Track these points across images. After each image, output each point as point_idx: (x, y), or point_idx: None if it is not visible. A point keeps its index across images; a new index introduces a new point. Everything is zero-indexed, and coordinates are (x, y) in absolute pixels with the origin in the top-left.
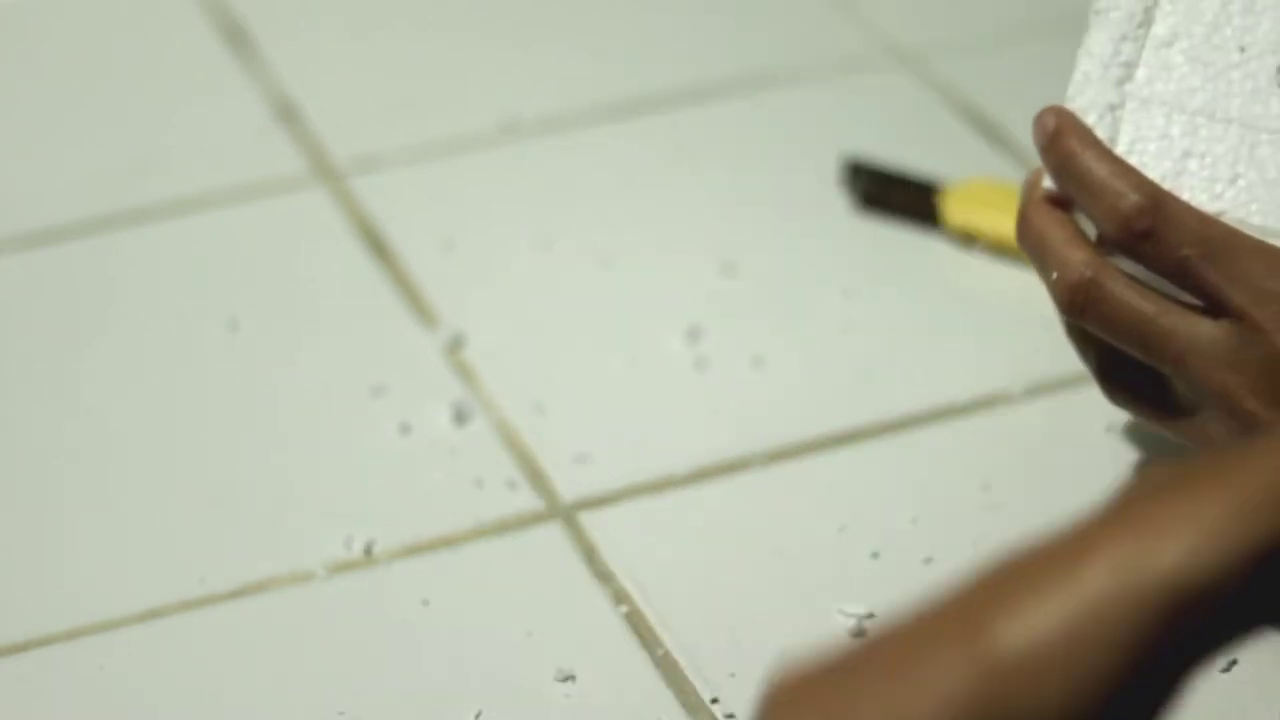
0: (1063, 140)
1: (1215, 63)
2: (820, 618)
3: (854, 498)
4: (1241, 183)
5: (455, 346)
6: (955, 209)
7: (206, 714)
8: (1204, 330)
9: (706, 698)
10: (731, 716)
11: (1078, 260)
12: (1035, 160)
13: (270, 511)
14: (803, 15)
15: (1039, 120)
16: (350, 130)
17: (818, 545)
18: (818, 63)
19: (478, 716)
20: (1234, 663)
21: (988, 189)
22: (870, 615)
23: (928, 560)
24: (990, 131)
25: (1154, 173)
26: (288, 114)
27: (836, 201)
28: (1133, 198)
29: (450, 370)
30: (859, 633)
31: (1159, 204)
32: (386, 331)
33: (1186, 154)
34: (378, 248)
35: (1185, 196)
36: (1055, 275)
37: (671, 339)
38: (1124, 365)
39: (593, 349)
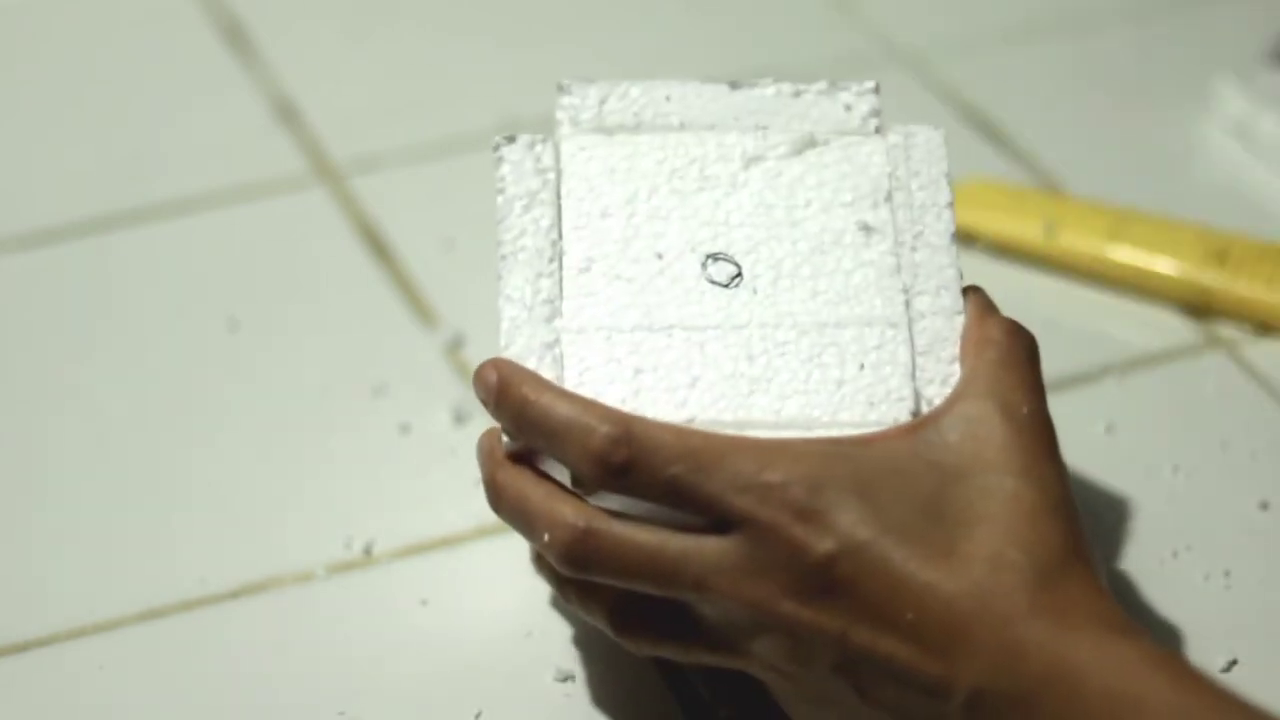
0: (512, 390)
1: (638, 276)
2: None
3: None
4: (702, 384)
5: (455, 346)
6: (955, 209)
7: (206, 714)
8: (714, 547)
9: (705, 697)
10: (731, 717)
11: (566, 514)
12: (1036, 161)
13: (270, 511)
14: (803, 15)
15: (479, 377)
16: (350, 130)
17: None
18: (818, 63)
19: (478, 716)
20: (1234, 663)
21: (987, 189)
22: None
23: None
24: (990, 131)
25: (612, 399)
26: (288, 114)
27: None
28: (602, 430)
29: (450, 370)
30: None
31: (630, 430)
32: (386, 331)
33: (638, 371)
34: (378, 248)
35: (651, 413)
36: (547, 537)
37: None
38: (638, 607)
39: None
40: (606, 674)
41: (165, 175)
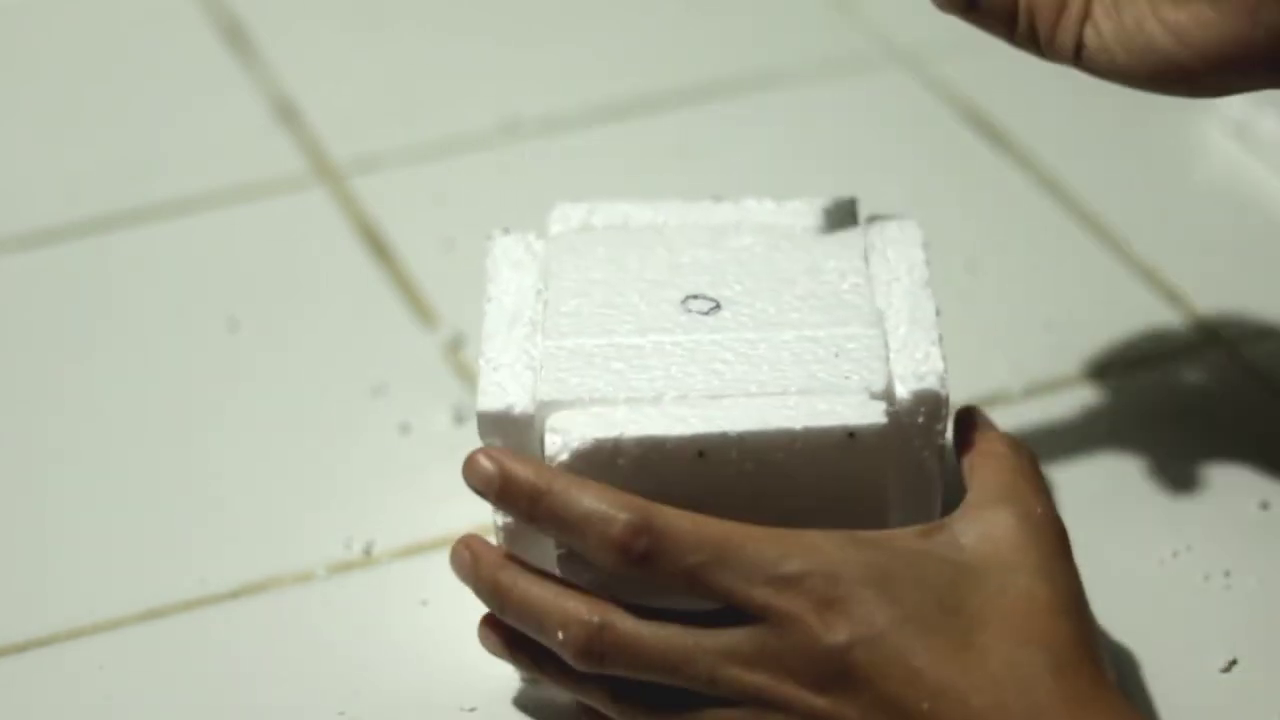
0: (521, 481)
1: (621, 306)
2: None
3: None
4: (676, 377)
5: (455, 346)
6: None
7: (206, 714)
8: (730, 639)
9: None
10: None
11: (580, 610)
12: (1034, 160)
13: (270, 511)
14: (803, 15)
15: (473, 465)
16: (350, 130)
17: None
18: (818, 63)
19: (476, 717)
20: (1234, 663)
21: None
22: None
23: None
24: (990, 131)
25: (599, 403)
26: (288, 114)
27: None
28: (622, 519)
29: (450, 370)
30: None
31: (649, 518)
32: (386, 331)
33: (621, 373)
34: (378, 248)
35: (638, 416)
36: (561, 635)
37: None
38: (642, 690)
39: None
40: None
41: (165, 175)
